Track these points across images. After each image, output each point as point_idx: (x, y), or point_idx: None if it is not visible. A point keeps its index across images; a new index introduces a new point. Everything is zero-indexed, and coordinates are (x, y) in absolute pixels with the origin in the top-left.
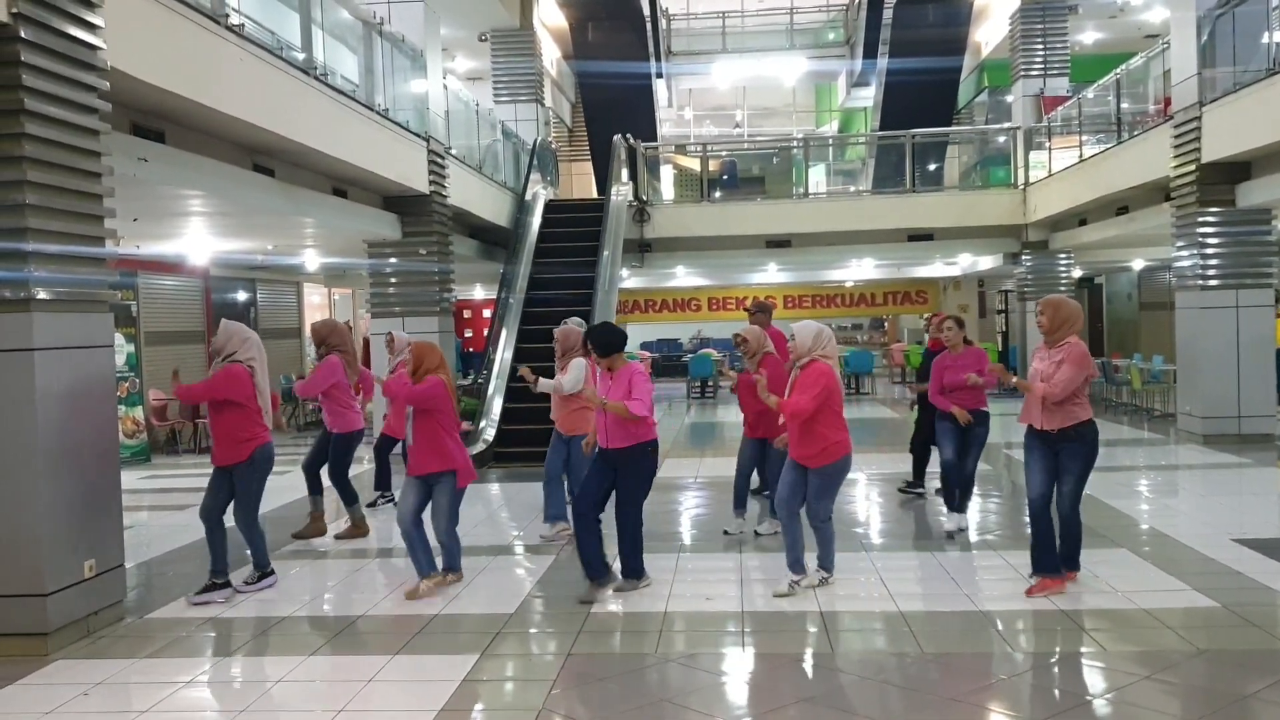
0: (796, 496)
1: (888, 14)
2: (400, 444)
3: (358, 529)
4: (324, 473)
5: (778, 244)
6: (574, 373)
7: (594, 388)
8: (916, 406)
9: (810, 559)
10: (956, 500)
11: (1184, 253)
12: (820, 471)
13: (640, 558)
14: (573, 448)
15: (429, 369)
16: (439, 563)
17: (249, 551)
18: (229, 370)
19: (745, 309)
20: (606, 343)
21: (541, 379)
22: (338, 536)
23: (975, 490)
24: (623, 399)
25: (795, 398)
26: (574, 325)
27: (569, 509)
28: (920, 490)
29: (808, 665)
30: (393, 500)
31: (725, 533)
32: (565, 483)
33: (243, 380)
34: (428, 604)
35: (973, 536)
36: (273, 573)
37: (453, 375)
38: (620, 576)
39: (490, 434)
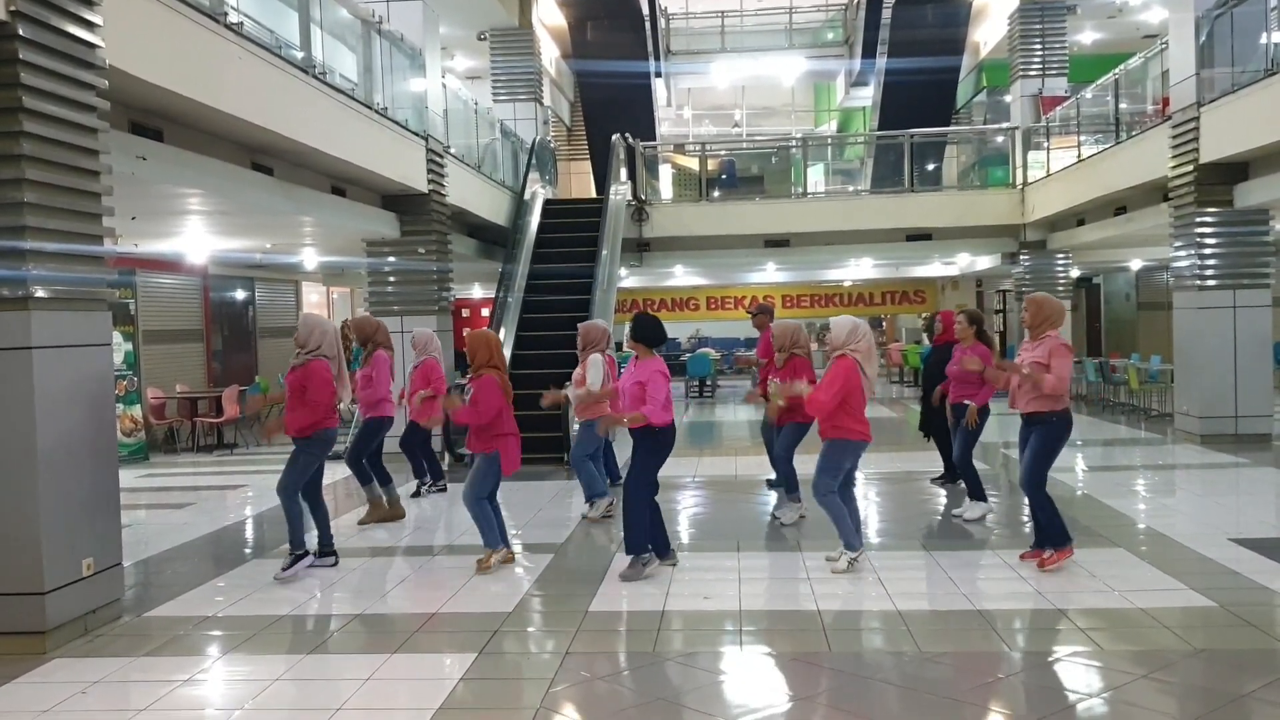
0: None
1: (886, 14)
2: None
3: (376, 509)
4: (378, 458)
5: (776, 243)
6: (594, 371)
7: (611, 385)
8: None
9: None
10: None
11: (1182, 253)
12: (828, 443)
13: (634, 535)
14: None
15: (480, 364)
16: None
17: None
18: (310, 370)
19: (747, 310)
20: (653, 336)
21: (570, 392)
22: (361, 522)
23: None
24: (638, 397)
25: (816, 394)
26: (597, 321)
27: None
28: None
29: (805, 664)
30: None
31: (777, 522)
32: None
33: (324, 375)
34: (426, 602)
35: (971, 536)
36: (307, 554)
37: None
38: (659, 558)
39: None
